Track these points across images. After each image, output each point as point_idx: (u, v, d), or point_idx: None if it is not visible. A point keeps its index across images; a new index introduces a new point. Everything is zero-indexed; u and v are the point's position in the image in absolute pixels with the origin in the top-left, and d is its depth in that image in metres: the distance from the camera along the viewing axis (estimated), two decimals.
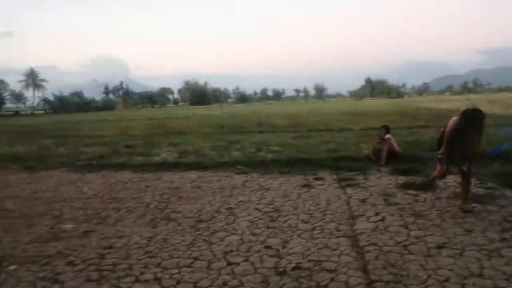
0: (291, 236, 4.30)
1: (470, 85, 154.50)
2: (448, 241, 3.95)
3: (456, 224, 4.41)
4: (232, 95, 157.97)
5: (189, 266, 3.65)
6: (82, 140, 15.50)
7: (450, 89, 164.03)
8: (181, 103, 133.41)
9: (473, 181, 6.12)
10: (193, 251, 4.00)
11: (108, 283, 3.39)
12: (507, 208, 4.86)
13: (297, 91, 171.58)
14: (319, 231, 4.42)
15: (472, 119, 4.53)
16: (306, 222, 4.72)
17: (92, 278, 3.50)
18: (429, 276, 3.23)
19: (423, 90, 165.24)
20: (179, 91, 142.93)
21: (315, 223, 4.69)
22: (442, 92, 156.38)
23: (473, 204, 5.04)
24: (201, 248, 4.07)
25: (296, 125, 18.48)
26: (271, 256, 3.80)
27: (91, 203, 6.01)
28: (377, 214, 4.90)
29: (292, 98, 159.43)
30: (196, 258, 3.82)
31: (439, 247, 3.81)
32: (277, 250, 3.92)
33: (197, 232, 4.54)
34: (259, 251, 3.93)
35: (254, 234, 4.39)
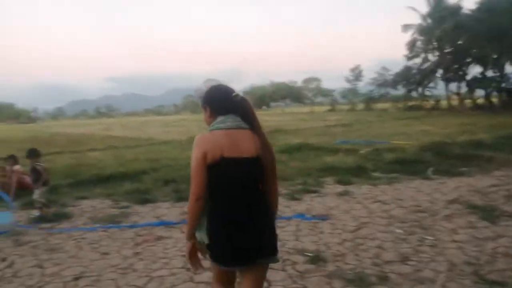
0: None
1: (103, 109, 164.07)
2: (86, 269, 3.83)
3: (93, 250, 4.36)
4: None
5: None
6: None
7: (84, 113, 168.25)
8: None
9: (108, 202, 6.36)
10: None
11: None
12: (139, 223, 5.27)
13: None
14: None
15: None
16: None
17: None
18: None
19: (58, 114, 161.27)
20: None
21: None
22: (76, 116, 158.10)
23: (110, 224, 5.18)
24: None
25: None
26: None
27: None
28: (3, 260, 4.15)
29: None
30: None
31: (76, 278, 3.63)
32: None
33: None
34: None
35: None
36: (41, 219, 5.52)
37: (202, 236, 2.11)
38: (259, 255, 2.08)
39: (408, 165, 8.30)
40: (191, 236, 2.14)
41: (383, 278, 3.38)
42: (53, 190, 7.11)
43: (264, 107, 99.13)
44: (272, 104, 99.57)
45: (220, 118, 2.12)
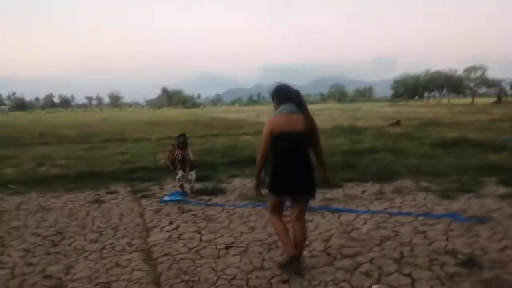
0: (77, 259, 3.85)
1: (255, 97, 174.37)
2: (235, 240, 4.25)
3: (242, 224, 4.79)
4: (7, 102, 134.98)
5: None
6: None
7: (239, 100, 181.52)
8: None
9: None
10: None
11: None
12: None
13: (89, 98, 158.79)
14: (109, 249, 4.11)
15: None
16: (95, 242, 4.33)
17: None
18: (218, 277, 3.38)
19: (217, 101, 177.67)
20: None
21: (105, 241, 4.34)
22: (233, 103, 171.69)
23: (257, 203, 5.60)
24: None
25: (87, 135, 17.08)
26: (51, 286, 3.30)
27: None
28: (171, 223, 4.89)
29: (84, 106, 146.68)
30: None
31: (228, 247, 4.06)
32: (59, 279, 3.44)
33: None
34: (35, 283, 3.36)
35: (30, 264, 3.75)
36: (201, 191, 6.28)
37: (265, 178, 3.39)
38: (300, 190, 3.36)
39: None
40: (257, 177, 3.41)
41: None
42: (212, 167, 8.02)
43: (416, 97, 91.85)
44: (427, 94, 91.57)
45: (282, 106, 3.33)
